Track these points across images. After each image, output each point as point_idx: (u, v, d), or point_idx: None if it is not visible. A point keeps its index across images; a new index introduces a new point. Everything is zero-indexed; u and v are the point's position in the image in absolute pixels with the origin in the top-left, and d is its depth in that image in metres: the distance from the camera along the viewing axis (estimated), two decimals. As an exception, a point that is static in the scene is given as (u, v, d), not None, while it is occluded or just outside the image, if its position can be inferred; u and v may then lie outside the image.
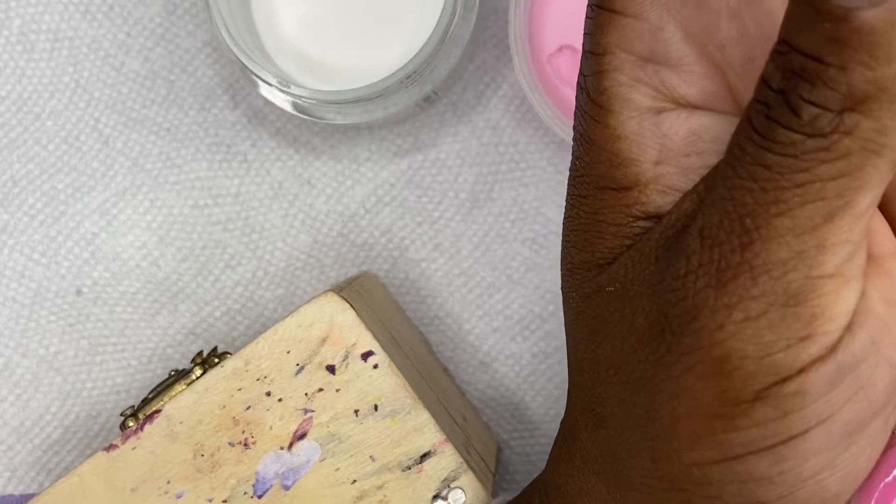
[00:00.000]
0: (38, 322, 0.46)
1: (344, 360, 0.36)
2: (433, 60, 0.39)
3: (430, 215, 0.45)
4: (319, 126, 0.45)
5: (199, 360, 0.38)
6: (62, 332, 0.46)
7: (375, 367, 0.36)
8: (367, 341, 0.36)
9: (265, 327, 0.45)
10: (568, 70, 0.42)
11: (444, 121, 0.45)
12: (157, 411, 0.37)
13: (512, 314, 0.45)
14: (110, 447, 0.37)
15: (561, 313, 0.45)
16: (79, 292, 0.46)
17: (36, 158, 0.45)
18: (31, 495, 0.46)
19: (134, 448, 0.37)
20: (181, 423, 0.37)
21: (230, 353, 0.38)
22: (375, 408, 0.36)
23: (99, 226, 0.46)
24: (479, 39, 0.44)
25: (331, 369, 0.36)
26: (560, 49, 0.42)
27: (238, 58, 0.39)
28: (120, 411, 0.46)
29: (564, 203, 0.44)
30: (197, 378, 0.37)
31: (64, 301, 0.46)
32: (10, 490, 0.46)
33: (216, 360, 0.38)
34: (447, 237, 0.45)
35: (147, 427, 0.37)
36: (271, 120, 0.45)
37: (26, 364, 0.46)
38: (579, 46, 0.42)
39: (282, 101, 0.41)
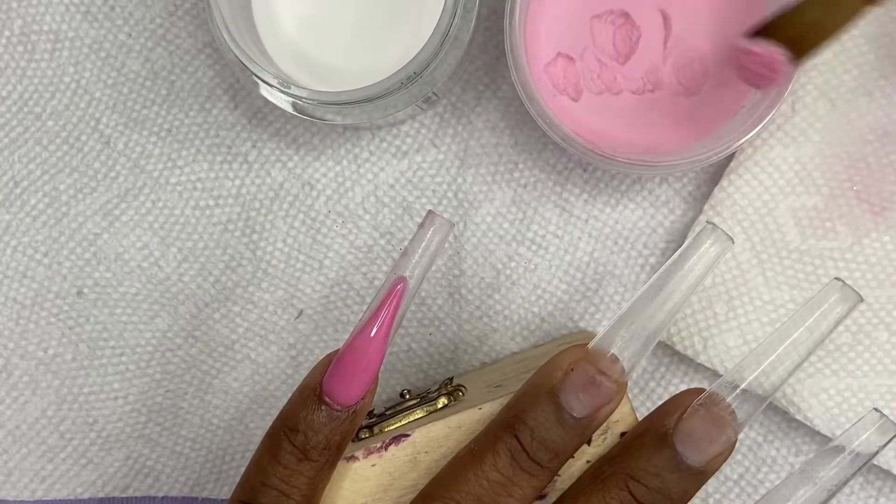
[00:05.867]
0: (38, 323, 0.46)
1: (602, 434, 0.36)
2: (433, 62, 0.39)
3: (429, 216, 0.45)
4: (319, 127, 0.45)
5: (444, 391, 0.39)
6: (61, 335, 0.46)
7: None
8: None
9: (265, 329, 0.45)
10: (564, 78, 0.42)
11: (443, 122, 0.45)
12: (406, 435, 0.36)
13: (512, 314, 0.45)
14: (350, 458, 0.36)
15: (560, 313, 0.45)
16: (80, 293, 0.46)
17: (37, 159, 0.46)
18: (27, 503, 0.46)
19: (374, 465, 0.36)
20: (426, 452, 0.36)
21: (464, 387, 0.39)
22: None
23: (101, 226, 0.46)
24: (478, 41, 0.45)
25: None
26: (556, 57, 0.42)
27: (238, 58, 0.39)
28: (117, 418, 0.46)
29: (563, 203, 0.45)
30: (440, 408, 0.38)
31: (64, 302, 0.46)
32: (3, 495, 0.46)
33: (461, 394, 0.38)
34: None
35: (392, 448, 0.36)
36: (271, 121, 0.45)
37: (24, 366, 0.46)
38: (574, 55, 0.42)
39: (282, 101, 0.41)
